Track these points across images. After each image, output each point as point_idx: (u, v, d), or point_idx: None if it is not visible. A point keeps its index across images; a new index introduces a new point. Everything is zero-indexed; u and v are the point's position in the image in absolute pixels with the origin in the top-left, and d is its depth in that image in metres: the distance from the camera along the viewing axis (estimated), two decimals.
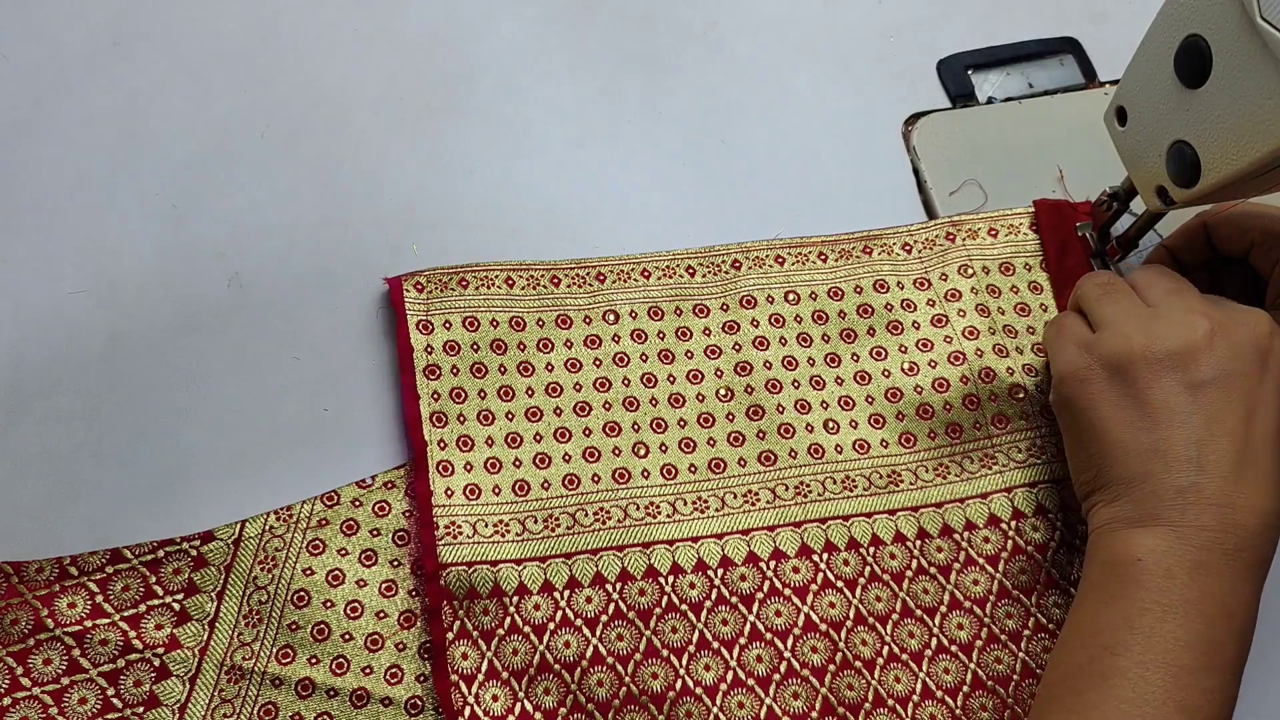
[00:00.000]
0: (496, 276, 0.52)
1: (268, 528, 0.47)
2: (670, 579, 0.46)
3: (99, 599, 0.45)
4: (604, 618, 0.45)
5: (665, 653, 0.44)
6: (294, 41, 0.60)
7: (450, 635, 0.44)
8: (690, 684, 0.44)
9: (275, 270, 0.53)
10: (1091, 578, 0.41)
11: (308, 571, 0.46)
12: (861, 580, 0.46)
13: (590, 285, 0.52)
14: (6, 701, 0.43)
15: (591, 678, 0.44)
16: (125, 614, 0.45)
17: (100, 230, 0.54)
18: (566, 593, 0.45)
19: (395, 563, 0.47)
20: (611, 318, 0.51)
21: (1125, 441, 0.41)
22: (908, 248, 0.54)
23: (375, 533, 0.47)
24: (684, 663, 0.44)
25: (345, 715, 0.44)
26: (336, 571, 0.46)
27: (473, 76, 0.59)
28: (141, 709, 0.43)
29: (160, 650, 0.44)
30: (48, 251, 0.53)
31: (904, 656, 0.45)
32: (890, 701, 0.44)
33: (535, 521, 0.47)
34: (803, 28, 0.62)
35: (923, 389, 0.50)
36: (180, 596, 0.45)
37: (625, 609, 0.45)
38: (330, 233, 0.54)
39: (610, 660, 0.44)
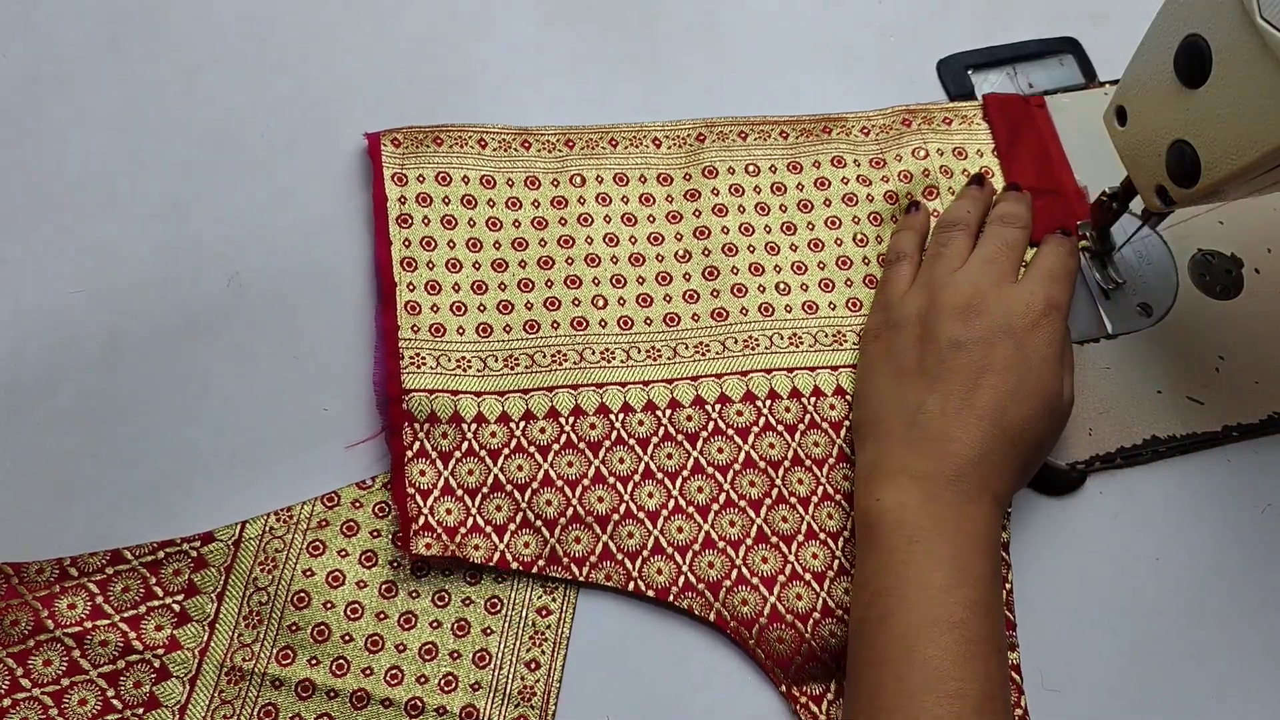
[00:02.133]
0: (470, 137, 0.55)
1: (268, 529, 0.47)
2: (620, 416, 0.49)
3: (99, 600, 0.45)
4: (555, 446, 0.48)
5: (611, 480, 0.48)
6: (294, 41, 0.60)
7: (410, 453, 0.47)
8: (634, 508, 0.47)
9: (275, 270, 0.53)
10: (857, 531, 0.45)
11: (308, 573, 0.46)
12: (801, 426, 0.50)
13: (559, 150, 0.55)
14: (6, 703, 0.43)
15: (541, 497, 0.47)
16: (125, 615, 0.45)
17: (100, 230, 0.54)
18: (522, 423, 0.49)
19: (395, 564, 0.47)
20: (578, 180, 0.55)
21: (882, 386, 0.47)
22: (866, 131, 0.57)
23: (375, 534, 0.47)
24: (628, 490, 0.48)
25: (345, 716, 0.44)
26: (337, 573, 0.46)
27: (472, 76, 0.59)
28: (142, 710, 0.43)
29: (160, 651, 0.44)
30: (48, 251, 0.53)
31: (838, 497, 0.48)
32: (822, 535, 0.47)
33: (496, 360, 0.50)
34: (803, 28, 0.62)
35: (870, 260, 0.54)
36: (180, 597, 0.45)
37: (576, 440, 0.49)
38: (330, 233, 0.54)
39: (559, 483, 0.47)
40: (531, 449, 0.48)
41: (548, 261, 0.52)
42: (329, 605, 0.46)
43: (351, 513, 0.48)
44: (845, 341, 0.52)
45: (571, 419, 0.49)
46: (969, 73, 0.60)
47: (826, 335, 0.52)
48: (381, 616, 0.46)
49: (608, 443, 0.49)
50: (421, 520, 0.46)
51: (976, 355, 0.45)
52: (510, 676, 0.45)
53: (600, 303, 0.52)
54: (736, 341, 0.51)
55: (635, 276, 0.53)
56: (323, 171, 0.56)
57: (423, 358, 0.49)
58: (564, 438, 0.48)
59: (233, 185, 0.55)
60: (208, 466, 0.49)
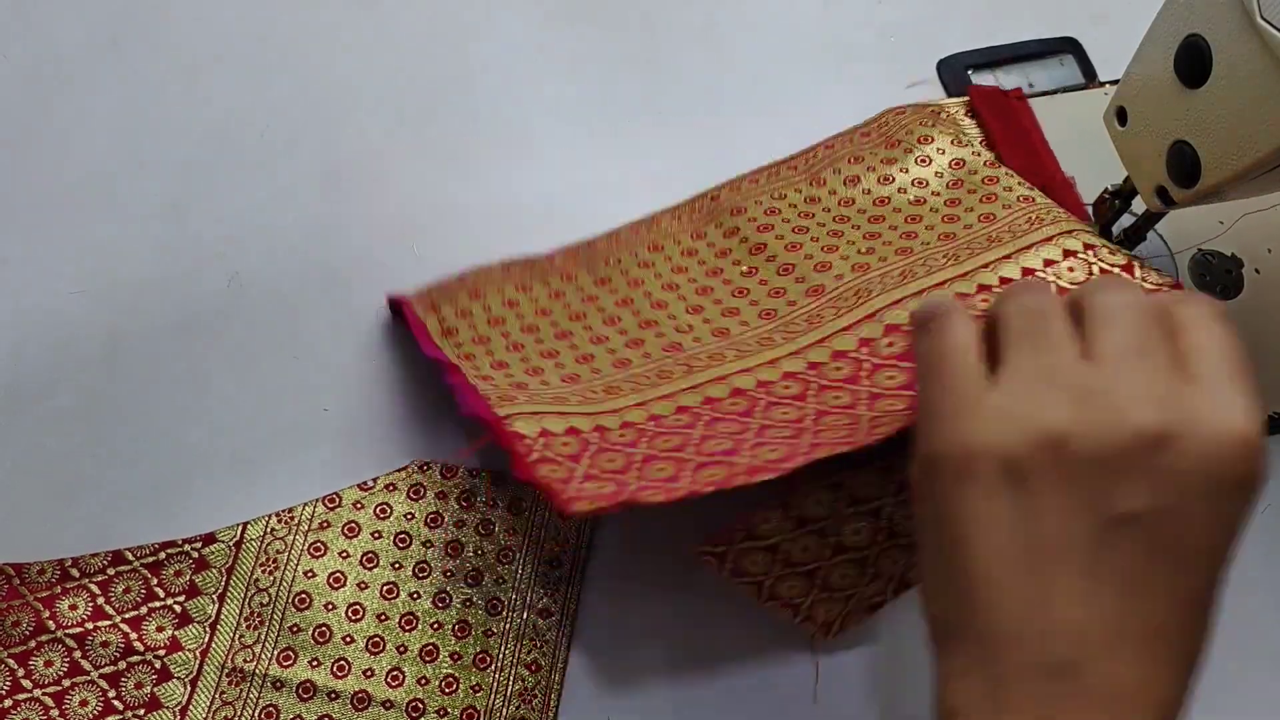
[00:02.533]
0: (491, 269, 0.52)
1: (269, 530, 0.47)
2: (761, 391, 0.45)
3: (100, 601, 0.45)
4: (703, 420, 0.44)
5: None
6: (294, 41, 0.60)
7: (533, 458, 0.41)
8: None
9: (275, 270, 0.53)
10: None
11: (309, 574, 0.46)
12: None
13: (583, 251, 0.53)
14: (8, 703, 0.43)
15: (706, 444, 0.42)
16: (127, 616, 0.45)
17: (100, 230, 0.54)
18: (651, 422, 0.44)
19: (397, 565, 0.47)
20: (614, 261, 0.53)
21: (994, 578, 0.29)
22: (866, 135, 0.57)
23: (377, 535, 0.47)
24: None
25: (346, 718, 0.44)
26: (338, 574, 0.46)
27: (473, 77, 0.59)
28: (143, 711, 0.43)
29: (162, 652, 0.44)
30: (48, 251, 0.53)
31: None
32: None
33: (595, 391, 0.46)
34: (803, 28, 0.62)
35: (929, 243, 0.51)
36: (182, 598, 0.45)
37: (723, 416, 0.44)
38: (330, 233, 0.54)
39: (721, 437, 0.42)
40: (673, 432, 0.43)
41: (613, 320, 0.51)
42: (330, 606, 0.46)
43: (353, 514, 0.48)
44: (913, 275, 0.48)
45: (707, 406, 0.44)
46: (969, 73, 0.60)
47: (891, 277, 0.49)
48: (383, 618, 0.46)
49: (760, 405, 0.44)
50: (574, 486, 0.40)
51: (1165, 534, 0.28)
52: (511, 678, 0.45)
53: (687, 327, 0.50)
54: (836, 310, 0.48)
55: (710, 303, 0.51)
56: (323, 171, 0.56)
57: (513, 395, 0.44)
58: (706, 418, 0.44)
59: (233, 185, 0.55)
60: (208, 467, 0.49)
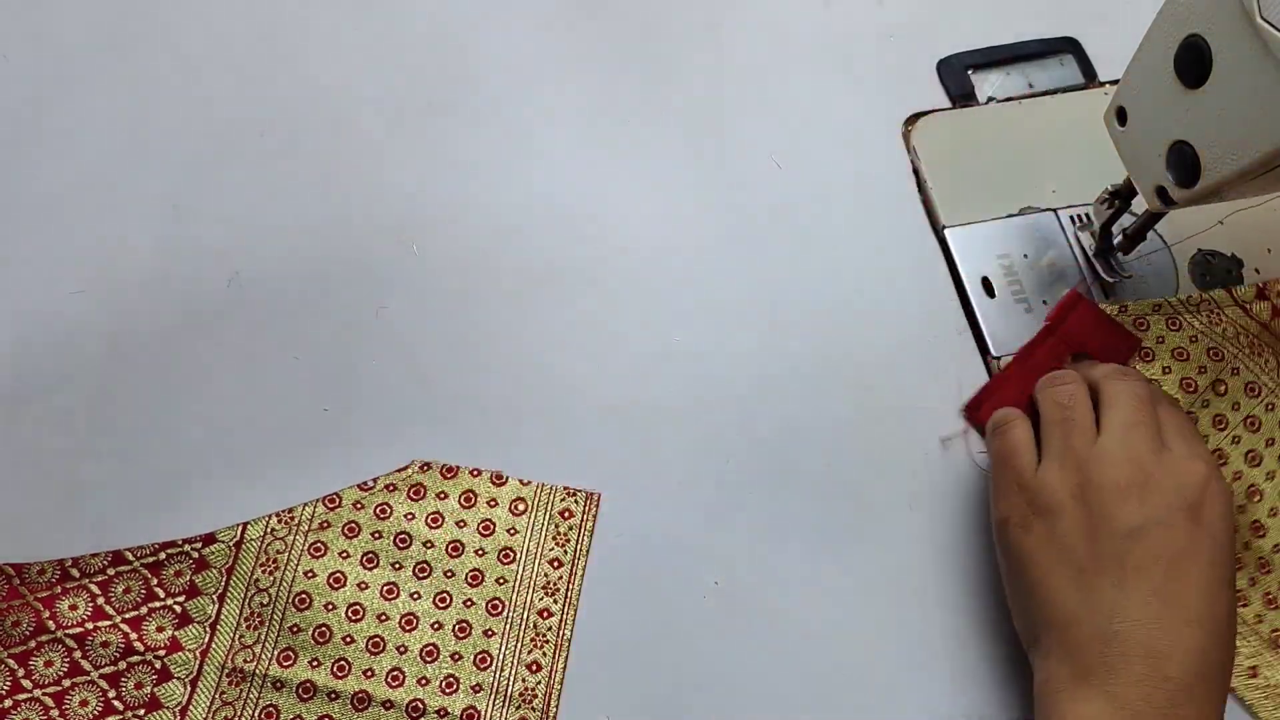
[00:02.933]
0: None
1: (269, 530, 0.47)
2: None
3: (100, 601, 0.45)
4: None
5: None
6: (294, 41, 0.60)
7: None
8: None
9: (275, 270, 0.53)
10: None
11: (309, 574, 0.46)
12: None
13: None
14: (8, 704, 0.43)
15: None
16: (127, 616, 0.45)
17: (100, 230, 0.54)
18: None
19: (397, 565, 0.47)
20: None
21: (1054, 587, 0.41)
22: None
23: (377, 535, 0.47)
24: None
25: (347, 718, 0.44)
26: (338, 574, 0.46)
27: (473, 77, 0.59)
28: (143, 711, 0.43)
29: (162, 652, 0.44)
30: (48, 251, 0.53)
31: None
32: None
33: None
34: (803, 28, 0.62)
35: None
36: (182, 599, 0.45)
37: None
38: (330, 233, 0.54)
39: None
40: None
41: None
42: (330, 607, 0.46)
43: (353, 514, 0.48)
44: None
45: None
46: (969, 73, 0.60)
47: None
48: (383, 618, 0.46)
49: None
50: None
51: (1161, 542, 0.40)
52: (511, 678, 0.45)
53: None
54: None
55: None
56: (323, 171, 0.56)
57: None
58: None
59: (233, 185, 0.55)
60: (208, 467, 0.49)
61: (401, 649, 0.45)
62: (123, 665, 0.44)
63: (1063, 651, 0.40)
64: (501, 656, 0.45)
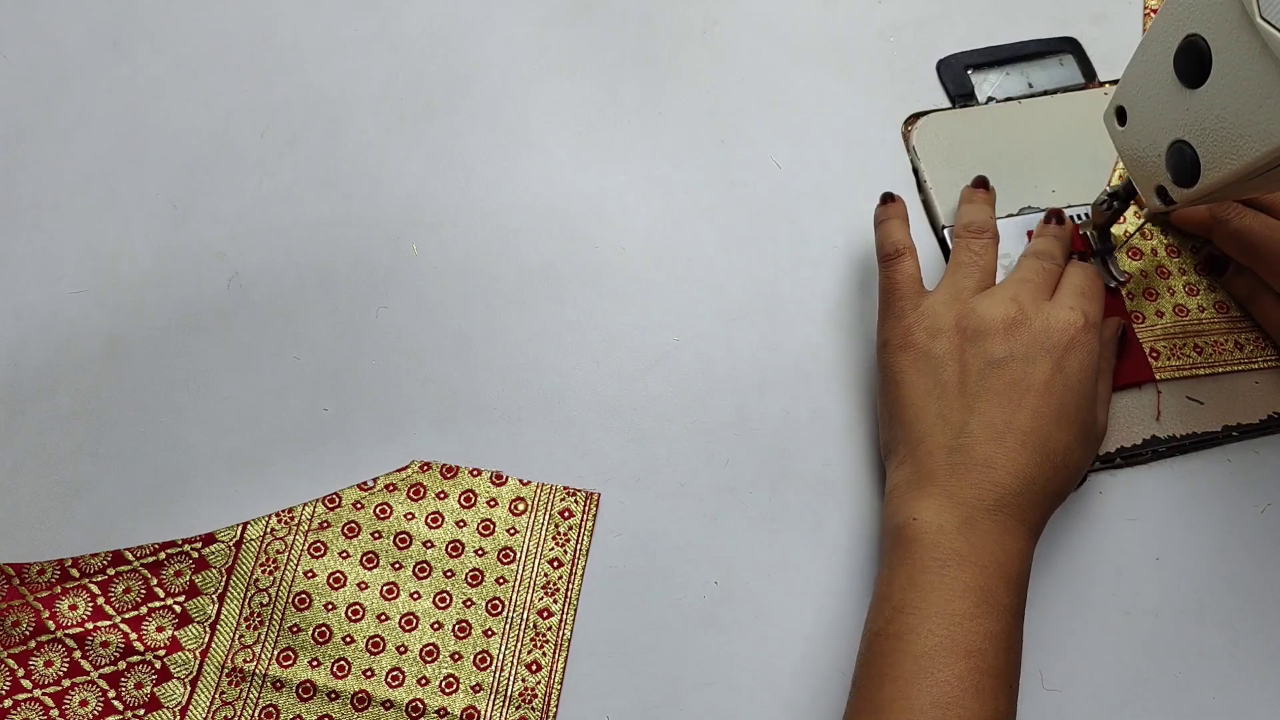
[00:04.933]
0: None
1: (269, 530, 0.47)
2: None
3: (100, 601, 0.45)
4: None
5: None
6: (294, 41, 0.60)
7: None
8: None
9: (275, 270, 0.53)
10: (884, 544, 0.45)
11: (309, 574, 0.46)
12: None
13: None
14: (8, 704, 0.43)
15: None
16: (126, 616, 0.45)
17: (100, 230, 0.54)
18: None
19: (397, 565, 0.47)
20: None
21: (917, 403, 0.46)
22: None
23: (377, 535, 0.47)
24: None
25: (346, 718, 0.44)
26: (338, 574, 0.46)
27: (473, 76, 0.59)
28: (143, 711, 0.43)
29: (161, 652, 0.44)
30: (48, 251, 0.53)
31: None
32: None
33: None
34: (803, 28, 0.62)
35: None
36: (181, 598, 0.46)
37: None
38: (330, 233, 0.54)
39: None
40: None
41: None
42: (330, 607, 0.46)
43: (353, 514, 0.48)
44: None
45: None
46: (969, 73, 0.60)
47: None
48: (383, 618, 0.46)
49: None
50: None
51: (1017, 373, 0.44)
52: (511, 678, 0.45)
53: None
54: None
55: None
56: (323, 171, 0.56)
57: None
58: None
59: (233, 185, 0.55)
60: (208, 467, 0.49)
61: (401, 649, 0.45)
62: (122, 665, 0.44)
63: (914, 460, 0.45)
64: (501, 656, 0.45)
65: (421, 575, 0.47)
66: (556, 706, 0.45)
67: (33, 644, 0.44)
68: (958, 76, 0.60)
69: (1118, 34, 0.61)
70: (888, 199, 0.53)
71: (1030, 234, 0.54)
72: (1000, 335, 0.45)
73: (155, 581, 0.46)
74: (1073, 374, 0.45)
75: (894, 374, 0.47)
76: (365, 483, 0.48)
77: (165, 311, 0.52)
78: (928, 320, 0.47)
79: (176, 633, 0.45)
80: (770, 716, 0.45)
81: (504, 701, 0.44)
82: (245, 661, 0.44)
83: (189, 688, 0.44)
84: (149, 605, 0.45)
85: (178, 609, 0.45)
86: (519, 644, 0.46)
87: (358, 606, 0.46)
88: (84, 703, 0.43)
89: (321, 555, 0.47)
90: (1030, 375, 0.44)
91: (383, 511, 0.48)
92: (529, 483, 0.49)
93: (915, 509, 0.43)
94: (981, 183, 0.54)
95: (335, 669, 0.45)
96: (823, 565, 0.48)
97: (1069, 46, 0.61)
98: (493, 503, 0.48)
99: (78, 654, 0.44)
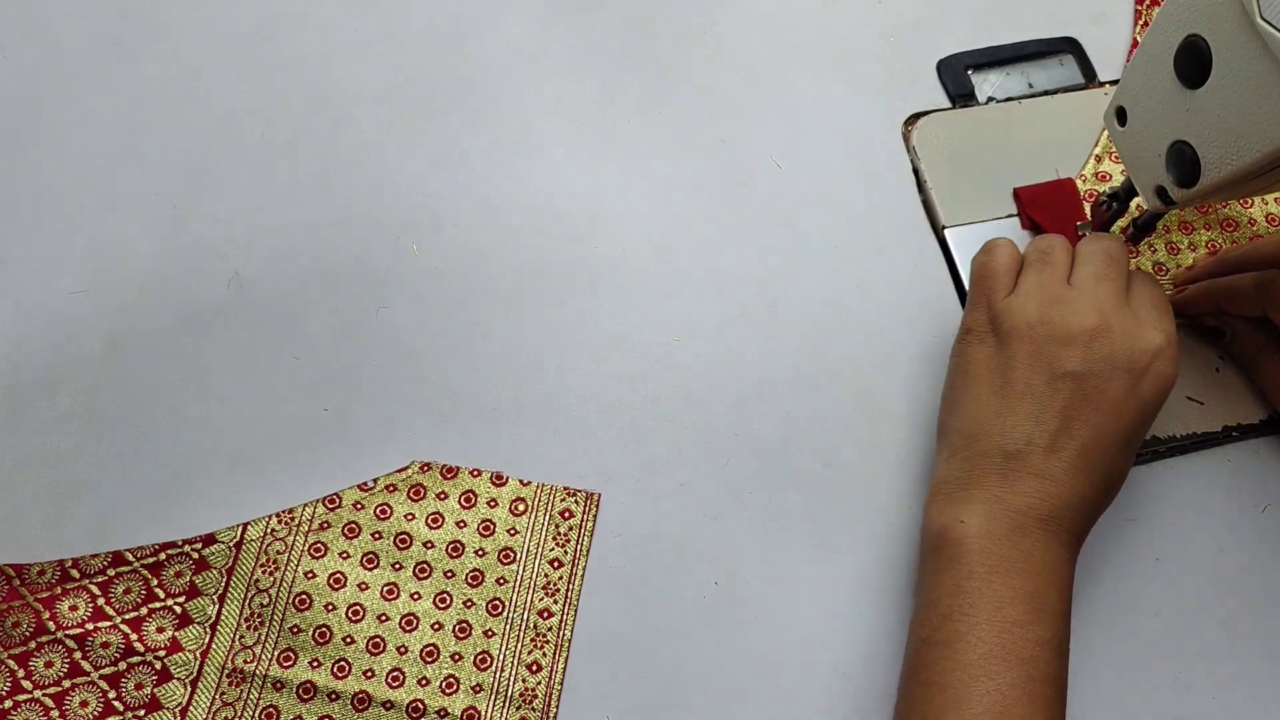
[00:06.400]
0: None
1: (269, 530, 0.47)
2: None
3: (100, 601, 0.45)
4: None
5: None
6: (294, 41, 0.60)
7: None
8: None
9: (275, 270, 0.53)
10: (927, 544, 0.44)
11: (309, 574, 0.46)
12: None
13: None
14: (8, 704, 0.43)
15: None
16: (127, 616, 0.45)
17: (100, 230, 0.54)
18: None
19: (397, 566, 0.47)
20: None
21: (981, 398, 0.44)
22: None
23: (377, 535, 0.47)
24: None
25: (347, 718, 0.44)
26: (338, 574, 0.46)
27: (473, 76, 0.59)
28: (143, 712, 0.43)
29: (162, 653, 0.44)
30: (48, 251, 0.53)
31: None
32: None
33: None
34: (803, 28, 0.62)
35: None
36: (182, 599, 0.45)
37: None
38: (330, 233, 0.54)
39: None
40: None
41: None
42: (330, 607, 0.46)
43: (353, 514, 0.48)
44: None
45: None
46: (969, 73, 0.60)
47: None
48: (383, 618, 0.46)
49: None
50: None
51: (1090, 388, 0.42)
52: (512, 678, 0.45)
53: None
54: None
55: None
56: (323, 171, 0.56)
57: None
58: None
59: (233, 185, 0.55)
60: (208, 467, 0.49)
61: (402, 649, 0.45)
62: (123, 666, 0.44)
63: (966, 456, 0.44)
64: (502, 657, 0.45)
65: (422, 576, 0.47)
66: (556, 707, 0.45)
67: (33, 645, 0.44)
68: (958, 76, 0.60)
69: (1118, 34, 0.61)
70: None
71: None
72: (1080, 347, 0.43)
73: (155, 582, 0.46)
74: (1147, 398, 0.43)
75: (965, 362, 0.46)
76: (365, 483, 0.48)
77: (165, 311, 0.52)
78: (1008, 318, 0.45)
79: (177, 633, 0.45)
80: (770, 716, 0.45)
81: (504, 702, 0.44)
82: (245, 662, 0.44)
83: (189, 688, 0.44)
84: (149, 606, 0.45)
85: (178, 610, 0.45)
86: (519, 644, 0.46)
87: (358, 607, 0.46)
88: (84, 703, 0.43)
89: (322, 556, 0.47)
90: (1103, 393, 0.42)
91: (383, 512, 0.48)
92: (529, 483, 0.49)
93: (963, 511, 0.42)
94: None
95: (336, 669, 0.45)
96: (822, 565, 0.48)
97: (1069, 46, 0.61)
98: (493, 503, 0.48)
99: (78, 655, 0.44)
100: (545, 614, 0.46)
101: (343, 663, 0.45)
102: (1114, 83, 0.60)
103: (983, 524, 0.41)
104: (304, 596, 0.46)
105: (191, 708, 0.44)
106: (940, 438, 0.46)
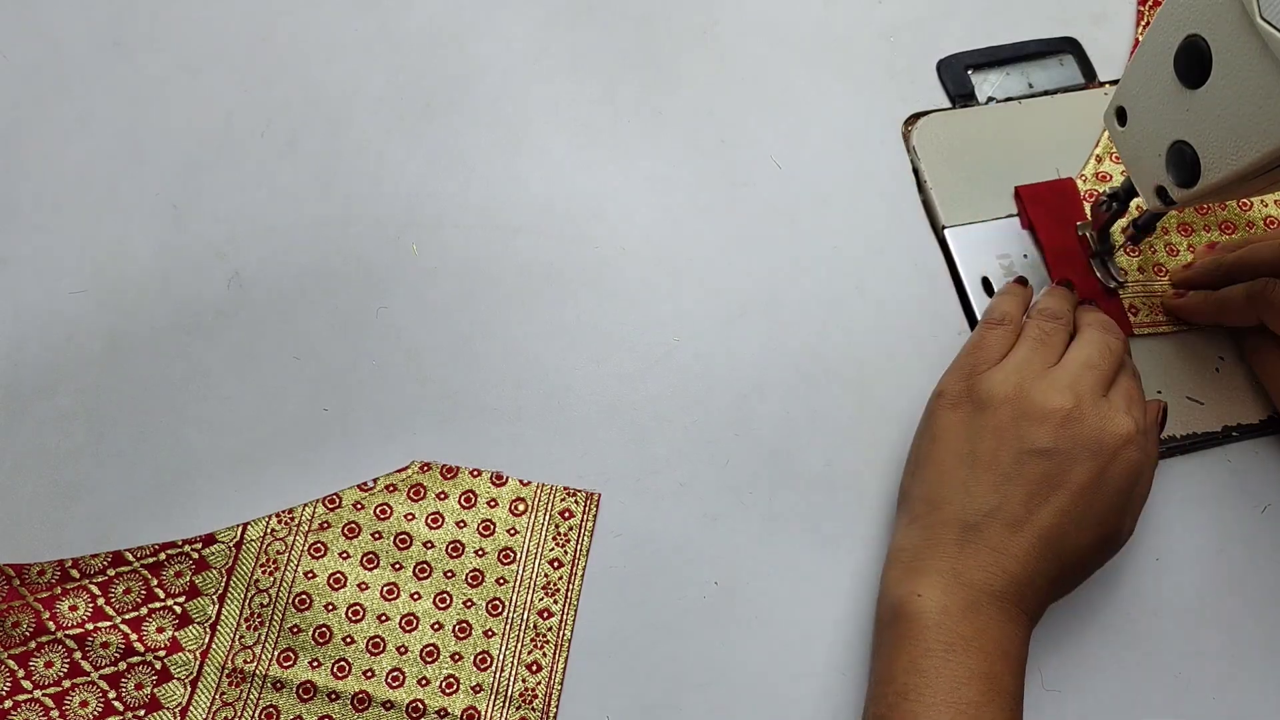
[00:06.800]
0: None
1: (269, 530, 0.47)
2: None
3: (100, 601, 0.45)
4: None
5: None
6: (294, 41, 0.60)
7: None
8: None
9: (275, 270, 0.53)
10: (884, 616, 0.43)
11: (309, 574, 0.46)
12: None
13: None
14: (8, 704, 0.43)
15: None
16: (127, 616, 0.45)
17: (100, 230, 0.54)
18: None
19: (397, 566, 0.47)
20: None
21: (947, 466, 0.45)
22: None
23: (377, 535, 0.47)
24: None
25: (347, 718, 0.44)
26: (338, 574, 0.46)
27: (473, 76, 0.59)
28: (143, 712, 0.43)
29: (162, 653, 0.44)
30: (48, 251, 0.53)
31: None
32: None
33: None
34: (803, 28, 0.62)
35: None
36: (182, 599, 0.46)
37: None
38: (330, 233, 0.54)
39: None
40: None
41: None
42: (330, 607, 0.46)
43: (353, 514, 0.48)
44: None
45: None
46: (969, 73, 0.60)
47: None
48: (383, 618, 0.46)
49: None
50: None
51: (1055, 468, 0.43)
52: (512, 678, 0.45)
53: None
54: None
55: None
56: (323, 171, 0.56)
57: None
58: None
59: (233, 185, 0.55)
60: (208, 467, 0.49)
61: (402, 649, 0.45)
62: (123, 666, 0.44)
63: (926, 524, 0.44)
64: (502, 657, 0.45)
65: (422, 576, 0.47)
66: (556, 707, 0.45)
67: (33, 645, 0.44)
68: (958, 76, 0.60)
69: (1118, 34, 0.61)
70: (1023, 282, 0.52)
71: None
72: (1051, 426, 0.43)
73: (155, 582, 0.46)
74: (1111, 482, 0.43)
75: (935, 428, 0.46)
76: (365, 483, 0.48)
77: (165, 311, 0.52)
78: (984, 387, 0.45)
79: (177, 633, 0.45)
80: (770, 716, 0.45)
81: (504, 702, 0.44)
82: (245, 662, 0.44)
83: (189, 688, 0.44)
84: (149, 606, 0.45)
85: (178, 610, 0.45)
86: (519, 644, 0.46)
87: (358, 607, 0.46)
88: (84, 703, 0.43)
89: (322, 556, 0.47)
90: (1068, 474, 0.43)
91: (383, 512, 0.48)
92: (529, 483, 0.49)
93: (919, 584, 0.42)
94: (1063, 283, 0.53)
95: (336, 669, 0.45)
96: (822, 565, 0.48)
97: (1069, 46, 0.61)
98: (493, 503, 0.48)
99: (78, 655, 0.44)
100: (545, 614, 0.46)
101: (343, 663, 0.45)
102: (1114, 83, 0.60)
103: (939, 598, 0.41)
104: (304, 596, 0.46)
105: (191, 708, 0.44)
106: (901, 503, 0.47)
